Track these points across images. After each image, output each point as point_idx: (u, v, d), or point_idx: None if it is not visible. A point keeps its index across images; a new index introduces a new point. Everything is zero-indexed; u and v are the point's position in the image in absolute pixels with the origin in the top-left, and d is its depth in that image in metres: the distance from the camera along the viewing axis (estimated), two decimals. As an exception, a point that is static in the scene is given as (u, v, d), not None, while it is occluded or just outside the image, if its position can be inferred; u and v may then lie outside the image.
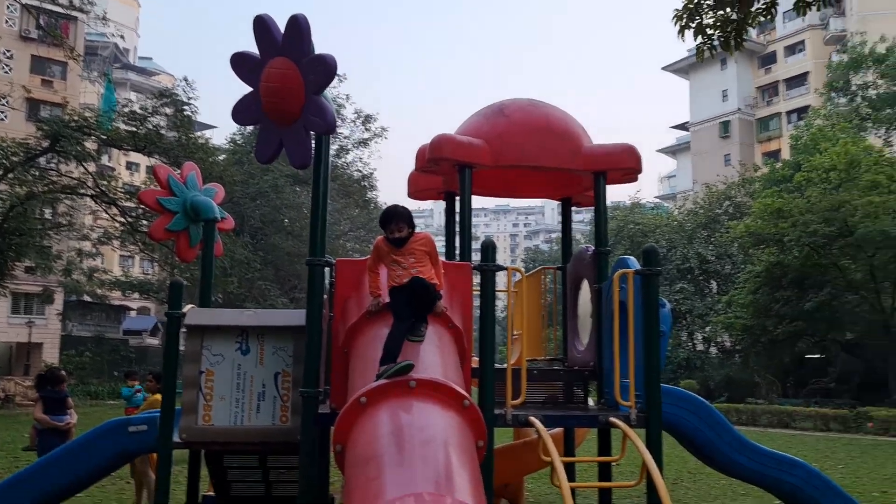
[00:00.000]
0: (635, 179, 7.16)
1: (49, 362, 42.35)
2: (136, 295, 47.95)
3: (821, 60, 53.78)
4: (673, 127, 73.57)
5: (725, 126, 62.24)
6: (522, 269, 6.69)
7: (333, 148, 39.44)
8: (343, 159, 39.20)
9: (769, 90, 62.33)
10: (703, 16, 7.49)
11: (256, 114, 5.45)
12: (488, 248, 5.48)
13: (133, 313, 57.32)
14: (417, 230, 4.95)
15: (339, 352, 5.29)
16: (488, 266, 5.42)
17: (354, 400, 4.22)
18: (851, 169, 27.68)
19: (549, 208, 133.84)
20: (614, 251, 40.56)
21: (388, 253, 4.86)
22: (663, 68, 67.01)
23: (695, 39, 7.53)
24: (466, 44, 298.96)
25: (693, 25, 7.43)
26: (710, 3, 7.43)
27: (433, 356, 4.76)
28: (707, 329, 37.19)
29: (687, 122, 67.63)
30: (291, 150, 5.30)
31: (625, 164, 6.85)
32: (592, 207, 7.39)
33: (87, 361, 43.39)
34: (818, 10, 7.63)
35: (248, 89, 5.44)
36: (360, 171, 39.52)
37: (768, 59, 62.75)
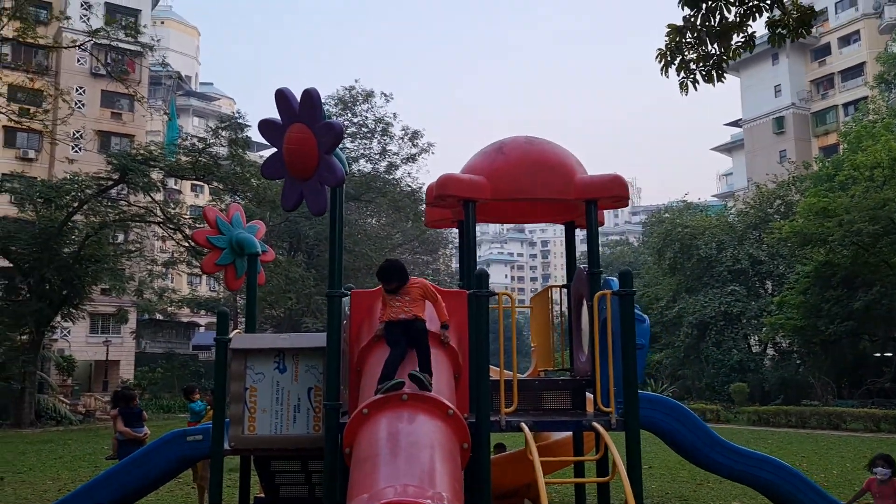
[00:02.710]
0: (626, 204, 7.93)
1: (125, 378, 44.71)
2: (203, 312, 50.12)
3: (877, 50, 52.50)
4: (727, 124, 72.81)
5: (780, 122, 61.23)
6: (513, 295, 7.50)
7: (383, 165, 40.79)
8: (393, 175, 40.47)
9: (824, 83, 61.08)
10: (686, 53, 8.20)
11: (280, 170, 6.48)
12: (481, 277, 6.36)
13: (202, 329, 59.54)
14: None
15: (353, 370, 6.24)
16: (481, 293, 6.30)
17: (358, 411, 5.17)
18: (896, 166, 27.35)
19: (606, 214, 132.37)
20: (664, 255, 40.70)
21: (386, 295, 5.98)
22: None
23: (678, 75, 8.22)
24: (528, 45, 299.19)
25: (675, 63, 8.15)
26: (691, 41, 8.13)
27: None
28: (763, 331, 36.78)
29: (740, 120, 66.84)
30: (310, 200, 6.30)
31: (613, 192, 7.62)
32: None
33: (160, 377, 45.47)
34: (792, 40, 8.25)
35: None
36: (410, 186, 40.71)
37: (822, 52, 61.44)
